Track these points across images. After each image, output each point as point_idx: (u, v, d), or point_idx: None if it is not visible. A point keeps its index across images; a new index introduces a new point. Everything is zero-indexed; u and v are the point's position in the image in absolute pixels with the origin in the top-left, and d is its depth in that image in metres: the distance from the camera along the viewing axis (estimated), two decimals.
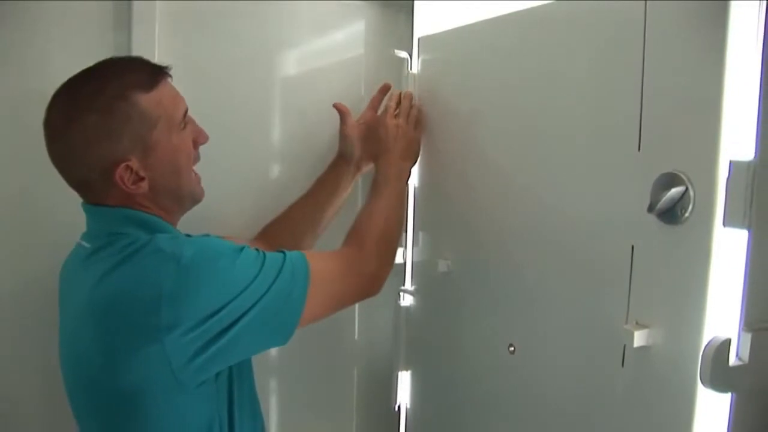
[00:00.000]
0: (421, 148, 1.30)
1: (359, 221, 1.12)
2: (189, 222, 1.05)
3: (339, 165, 1.30)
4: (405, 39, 1.41)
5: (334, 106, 1.29)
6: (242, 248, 0.90)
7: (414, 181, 1.38)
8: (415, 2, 1.36)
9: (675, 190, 0.79)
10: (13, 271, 1.13)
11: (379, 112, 1.31)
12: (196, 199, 1.01)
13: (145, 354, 0.82)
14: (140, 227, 0.91)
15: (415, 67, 1.38)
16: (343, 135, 1.28)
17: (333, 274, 1.00)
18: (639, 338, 0.84)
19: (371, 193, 1.17)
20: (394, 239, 1.15)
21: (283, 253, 0.94)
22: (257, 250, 0.92)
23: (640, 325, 0.85)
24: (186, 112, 0.96)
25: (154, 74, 0.91)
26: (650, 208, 0.81)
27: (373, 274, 1.07)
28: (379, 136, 1.23)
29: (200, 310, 0.83)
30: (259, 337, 0.91)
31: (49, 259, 1.00)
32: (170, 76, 0.94)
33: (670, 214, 0.81)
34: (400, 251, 1.41)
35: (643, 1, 0.84)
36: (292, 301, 0.91)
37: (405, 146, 1.23)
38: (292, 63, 1.35)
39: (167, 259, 0.84)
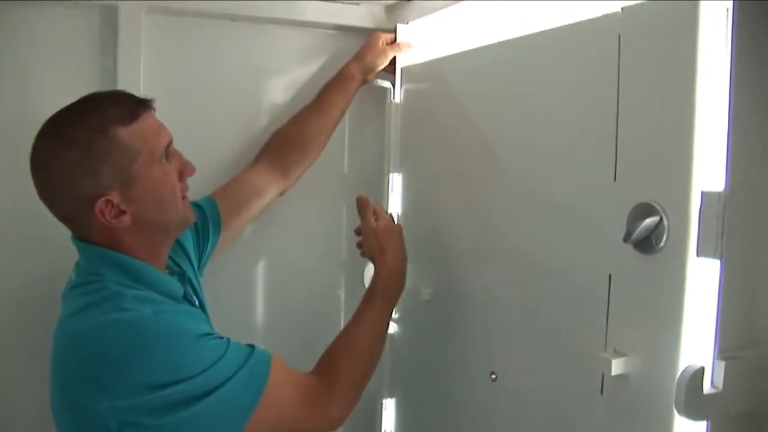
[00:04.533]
0: (405, 176, 1.30)
1: (337, 349, 1.03)
2: None
3: (349, 67, 1.34)
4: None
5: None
6: (207, 334, 0.88)
7: (396, 209, 1.40)
8: (398, 32, 1.38)
9: (650, 220, 0.81)
10: (12, 276, 1.16)
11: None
12: (185, 226, 1.01)
13: (85, 403, 0.83)
14: (117, 270, 0.90)
15: (398, 96, 1.40)
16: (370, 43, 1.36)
17: (290, 401, 0.93)
18: (617, 367, 0.84)
19: (360, 306, 1.10)
20: (369, 376, 1.05)
21: (252, 349, 0.91)
22: (221, 338, 0.89)
23: (617, 353, 0.86)
24: (170, 143, 0.95)
25: (135, 107, 0.91)
26: (626, 238, 0.82)
27: (336, 417, 0.99)
28: (371, 242, 1.13)
29: (138, 382, 0.81)
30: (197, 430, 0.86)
31: (48, 265, 1.02)
32: (153, 108, 0.93)
33: (646, 244, 0.82)
34: None
35: (617, 37, 0.86)
36: (238, 407, 0.87)
37: (397, 240, 1.15)
38: (275, 91, 1.37)
39: (123, 322, 0.83)
